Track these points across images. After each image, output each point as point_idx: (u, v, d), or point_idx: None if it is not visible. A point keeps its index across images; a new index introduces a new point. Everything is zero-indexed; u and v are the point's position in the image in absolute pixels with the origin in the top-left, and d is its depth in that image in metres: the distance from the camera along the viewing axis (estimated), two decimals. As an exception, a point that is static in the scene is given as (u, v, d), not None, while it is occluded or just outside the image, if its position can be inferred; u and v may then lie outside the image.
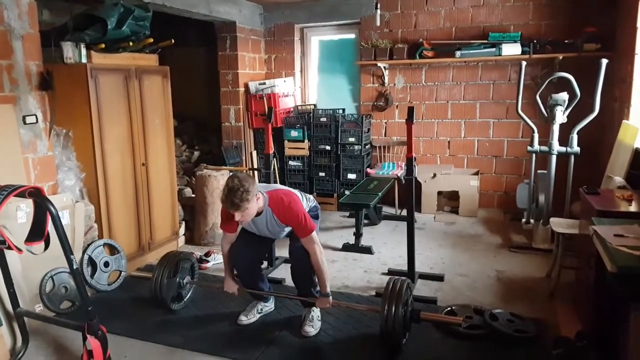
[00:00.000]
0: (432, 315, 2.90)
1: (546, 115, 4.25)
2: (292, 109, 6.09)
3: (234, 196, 2.58)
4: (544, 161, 4.33)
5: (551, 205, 4.24)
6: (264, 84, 5.90)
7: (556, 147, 4.14)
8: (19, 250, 2.41)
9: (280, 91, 5.89)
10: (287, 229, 3.00)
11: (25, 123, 3.17)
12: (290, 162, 5.92)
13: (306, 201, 3.08)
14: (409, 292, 2.79)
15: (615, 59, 4.48)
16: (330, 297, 2.92)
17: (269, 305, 3.28)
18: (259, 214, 2.82)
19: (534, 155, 4.37)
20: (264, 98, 5.79)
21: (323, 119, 5.74)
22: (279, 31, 6.22)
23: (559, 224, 3.49)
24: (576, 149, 4.10)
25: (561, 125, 4.15)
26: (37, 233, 2.42)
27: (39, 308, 3.16)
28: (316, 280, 3.05)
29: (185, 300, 3.39)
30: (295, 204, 2.83)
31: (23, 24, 3.12)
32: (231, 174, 2.88)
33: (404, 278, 2.85)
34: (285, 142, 5.89)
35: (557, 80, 4.24)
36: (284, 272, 3.86)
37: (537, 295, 3.46)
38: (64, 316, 3.17)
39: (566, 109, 4.13)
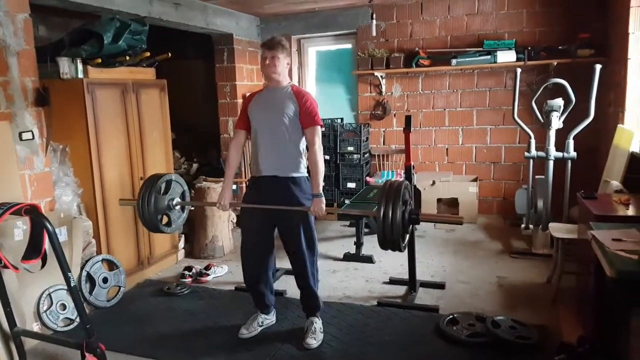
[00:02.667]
0: (430, 215, 2.90)
1: (542, 121, 4.26)
2: (289, 120, 6.09)
3: (274, 38, 2.92)
4: (541, 166, 4.33)
5: (550, 211, 4.24)
6: (262, 95, 5.91)
7: (553, 152, 4.14)
8: (16, 268, 2.41)
9: (277, 102, 5.90)
10: (291, 139, 2.89)
11: (21, 139, 3.17)
12: (289, 173, 5.91)
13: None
14: (407, 192, 2.64)
15: (609, 64, 4.51)
16: (323, 199, 2.83)
17: (270, 318, 3.26)
18: (279, 87, 2.93)
19: (531, 160, 4.38)
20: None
21: (322, 129, 5.73)
22: (275, 43, 6.23)
23: (558, 229, 3.48)
24: (573, 154, 4.10)
25: (557, 130, 4.15)
26: (34, 250, 2.42)
27: (36, 326, 3.13)
28: (314, 290, 3.06)
29: (174, 226, 3.20)
30: (312, 97, 2.96)
31: (18, 40, 3.12)
32: None
33: (402, 180, 2.69)
34: (284, 152, 5.87)
35: (552, 86, 4.27)
36: (285, 284, 3.85)
37: (538, 301, 3.44)
38: (62, 334, 3.14)
39: (562, 114, 4.14)
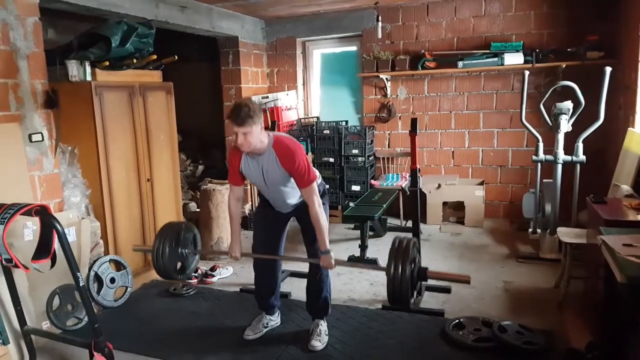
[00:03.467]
0: (439, 273, 2.87)
1: (550, 124, 4.23)
2: (295, 122, 6.11)
3: (239, 110, 2.59)
4: (549, 170, 4.31)
5: (558, 215, 4.22)
6: (267, 97, 5.93)
7: (562, 156, 4.12)
8: (26, 268, 2.42)
9: (283, 104, 5.92)
10: (293, 190, 2.88)
11: (31, 141, 3.19)
12: (295, 175, 5.91)
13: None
14: (416, 250, 2.69)
15: (618, 66, 4.48)
16: (332, 254, 2.80)
17: (275, 320, 3.27)
18: (261, 154, 2.76)
19: (539, 164, 4.36)
20: (267, 112, 5.81)
21: (326, 132, 5.76)
22: (281, 45, 6.26)
23: (567, 234, 3.46)
24: (582, 157, 4.07)
25: (566, 134, 4.13)
26: (43, 251, 2.43)
27: (45, 325, 3.16)
28: (328, 296, 3.07)
29: (187, 272, 3.20)
30: (299, 150, 2.75)
31: (28, 43, 3.15)
32: None
33: (410, 237, 2.74)
34: (289, 155, 5.88)
35: (560, 88, 4.24)
36: (289, 286, 3.85)
37: (545, 306, 3.42)
38: (70, 333, 3.17)
39: (571, 117, 4.12)
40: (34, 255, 2.45)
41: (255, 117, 2.61)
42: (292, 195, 2.93)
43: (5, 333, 2.70)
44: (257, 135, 2.65)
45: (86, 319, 3.22)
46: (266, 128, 5.75)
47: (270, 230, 3.08)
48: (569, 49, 4.89)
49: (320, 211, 2.75)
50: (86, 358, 2.57)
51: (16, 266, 2.41)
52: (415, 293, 2.69)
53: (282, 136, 2.85)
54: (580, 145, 4.07)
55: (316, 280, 3.02)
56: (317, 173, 3.06)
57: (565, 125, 4.11)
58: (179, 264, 3.14)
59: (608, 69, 3.96)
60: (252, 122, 2.60)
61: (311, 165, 2.79)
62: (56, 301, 3.21)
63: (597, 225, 2.63)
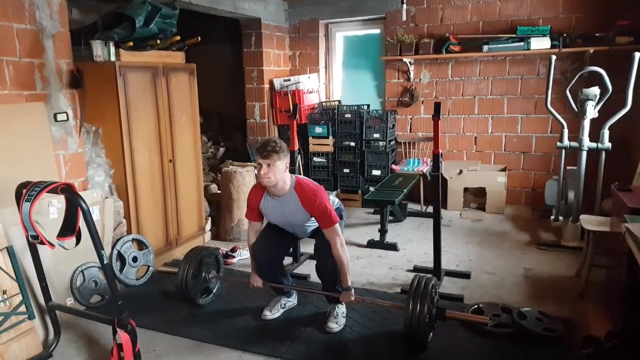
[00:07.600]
0: (457, 313, 2.86)
1: (576, 110, 4.15)
2: (316, 106, 6.09)
3: (267, 144, 2.75)
4: (573, 157, 4.22)
5: (581, 202, 4.14)
6: (289, 80, 5.91)
7: (587, 143, 4.04)
8: (52, 245, 2.47)
9: (304, 87, 5.90)
10: (311, 224, 3.01)
11: (56, 120, 3.25)
12: (315, 159, 5.92)
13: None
14: (435, 289, 2.76)
15: (648, 52, 4.34)
16: (353, 291, 2.92)
17: (292, 300, 3.30)
18: (283, 195, 2.85)
19: (563, 151, 4.28)
20: (289, 94, 5.81)
21: (347, 115, 5.73)
22: (303, 27, 6.22)
23: (590, 222, 3.41)
24: (607, 144, 3.99)
25: (591, 120, 4.04)
26: (68, 228, 2.47)
27: (70, 302, 3.24)
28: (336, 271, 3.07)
29: (213, 292, 3.43)
30: (320, 193, 2.84)
31: (54, 23, 3.19)
32: None
33: (429, 276, 2.82)
34: (310, 138, 5.89)
35: (587, 74, 4.15)
36: (308, 269, 3.87)
37: (566, 294, 3.39)
38: (94, 310, 3.24)
39: (597, 103, 4.02)
40: (59, 233, 2.50)
41: (281, 152, 2.75)
42: (312, 227, 3.06)
43: (31, 308, 2.77)
44: (280, 172, 2.77)
45: (109, 296, 3.30)
46: (287, 111, 5.80)
47: (280, 233, 3.14)
48: (597, 34, 4.76)
49: (342, 250, 2.84)
50: (109, 334, 2.62)
51: (42, 243, 2.46)
52: (432, 332, 2.77)
53: (304, 179, 2.93)
54: (606, 133, 3.98)
55: (325, 263, 3.00)
56: (336, 199, 3.20)
57: (592, 111, 4.02)
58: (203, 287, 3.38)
59: (637, 55, 3.84)
60: (277, 157, 2.73)
61: (332, 207, 2.87)
62: (80, 278, 3.29)
63: (621, 213, 2.59)
